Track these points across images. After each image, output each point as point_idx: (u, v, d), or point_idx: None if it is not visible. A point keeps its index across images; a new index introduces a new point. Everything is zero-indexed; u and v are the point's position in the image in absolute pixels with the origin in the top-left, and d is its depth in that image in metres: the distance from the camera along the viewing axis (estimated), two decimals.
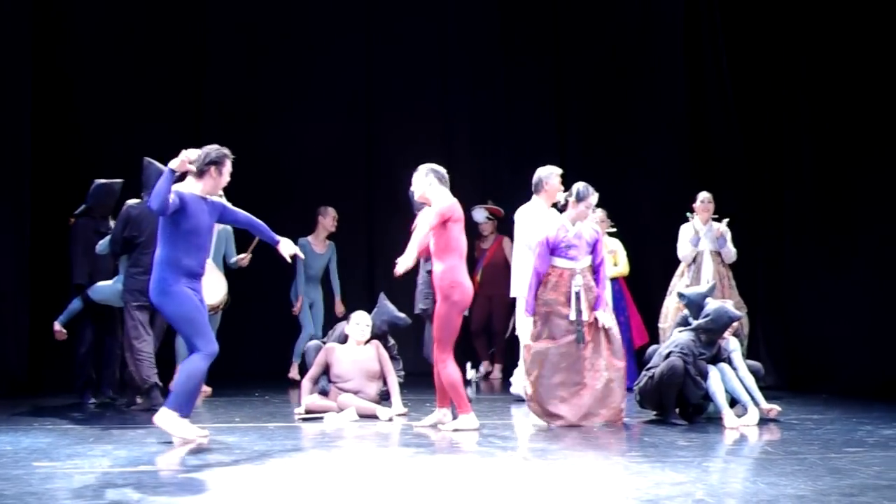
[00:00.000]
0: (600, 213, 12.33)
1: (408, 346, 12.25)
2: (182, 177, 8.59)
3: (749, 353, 11.43)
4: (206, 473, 7.31)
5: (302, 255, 9.61)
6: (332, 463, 7.81)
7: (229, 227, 11.77)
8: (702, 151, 13.54)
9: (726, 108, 13.27)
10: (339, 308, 13.06)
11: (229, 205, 9.06)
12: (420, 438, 8.90)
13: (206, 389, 11.65)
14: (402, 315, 10.45)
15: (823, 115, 12.52)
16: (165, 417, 8.47)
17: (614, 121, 14.27)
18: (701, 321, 9.83)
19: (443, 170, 9.29)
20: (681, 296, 10.51)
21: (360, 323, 10.31)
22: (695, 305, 10.19)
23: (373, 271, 14.45)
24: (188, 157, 8.44)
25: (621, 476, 7.29)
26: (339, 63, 14.63)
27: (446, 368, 9.04)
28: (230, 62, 14.43)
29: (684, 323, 10.26)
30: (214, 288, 11.41)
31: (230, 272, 11.83)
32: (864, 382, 11.82)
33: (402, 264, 9.01)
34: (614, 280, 12.35)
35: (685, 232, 12.07)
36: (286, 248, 9.09)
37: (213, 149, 8.69)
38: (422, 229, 9.17)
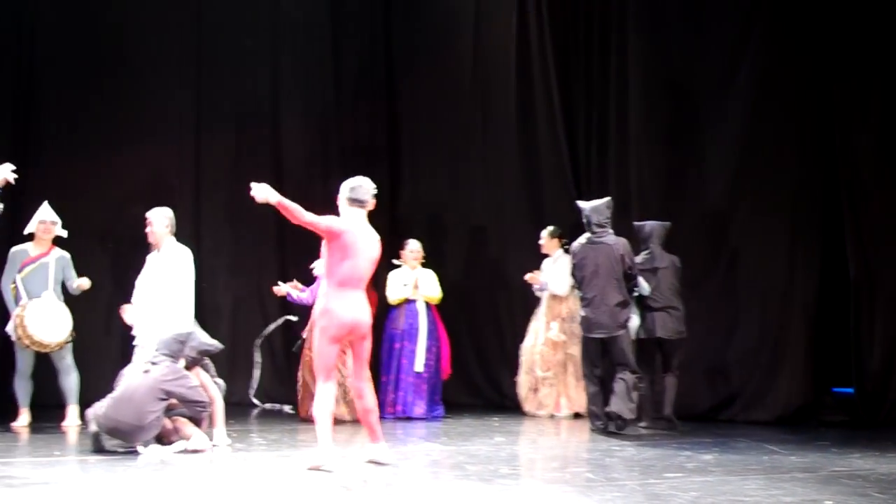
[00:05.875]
0: (415, 244, 12.51)
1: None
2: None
3: None
4: None
5: None
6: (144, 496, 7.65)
7: (66, 254, 11.65)
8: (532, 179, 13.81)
9: (552, 118, 13.64)
10: None
11: None
12: (242, 467, 8.77)
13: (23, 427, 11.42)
14: (214, 342, 10.22)
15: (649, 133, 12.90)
16: None
17: (449, 140, 14.54)
18: None
19: (362, 188, 8.68)
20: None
21: None
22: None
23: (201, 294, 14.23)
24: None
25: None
26: (169, 83, 14.43)
27: (315, 399, 8.59)
28: (57, 80, 14.09)
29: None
30: (62, 323, 11.23)
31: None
32: (684, 408, 12.06)
33: (261, 190, 8.35)
34: (428, 309, 12.49)
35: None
36: None
37: None
38: (310, 216, 8.40)
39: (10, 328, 11.29)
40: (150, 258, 10.97)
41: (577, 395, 12.38)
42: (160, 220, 10.76)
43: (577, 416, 12.37)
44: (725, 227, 12.41)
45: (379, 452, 8.79)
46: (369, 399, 8.76)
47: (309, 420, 11.92)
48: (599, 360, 11.09)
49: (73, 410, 11.47)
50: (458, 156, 14.42)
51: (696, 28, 12.65)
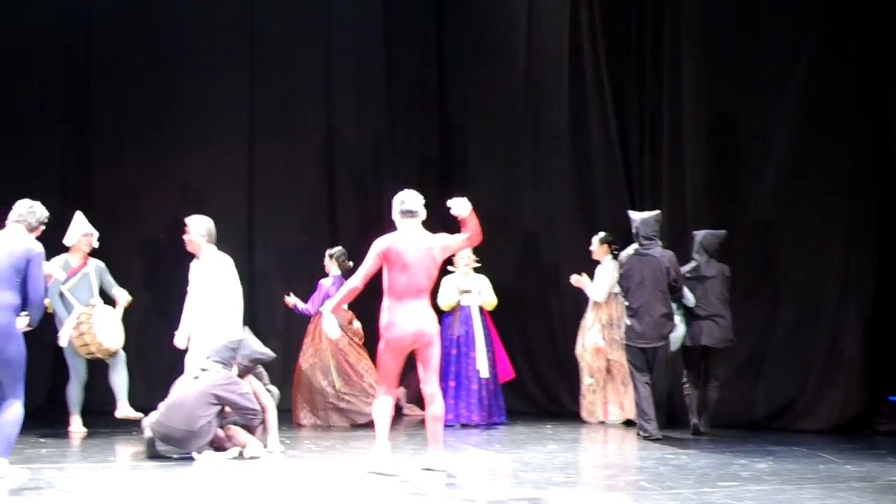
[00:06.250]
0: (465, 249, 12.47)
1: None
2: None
3: None
4: None
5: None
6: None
7: (101, 263, 11.80)
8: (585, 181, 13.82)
9: (605, 124, 13.61)
10: None
11: None
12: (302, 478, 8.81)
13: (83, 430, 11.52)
14: (265, 350, 10.26)
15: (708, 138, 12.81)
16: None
17: (502, 147, 14.58)
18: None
19: (410, 199, 8.99)
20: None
21: None
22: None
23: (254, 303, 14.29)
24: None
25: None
26: (223, 89, 14.54)
27: (375, 402, 8.87)
28: (113, 88, 14.27)
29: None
30: (120, 329, 11.36)
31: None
32: (739, 416, 12.01)
33: (328, 325, 9.17)
34: (482, 314, 12.46)
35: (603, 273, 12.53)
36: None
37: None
38: (359, 272, 8.91)
39: (65, 336, 11.33)
40: (192, 266, 11.01)
41: (628, 402, 12.32)
42: (196, 228, 10.74)
43: (628, 423, 12.29)
44: (779, 234, 12.30)
45: (435, 459, 8.84)
46: (437, 406, 8.87)
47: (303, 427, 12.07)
48: (645, 367, 11.19)
49: (123, 404, 11.54)
50: (511, 161, 14.41)
51: (750, 31, 12.54)
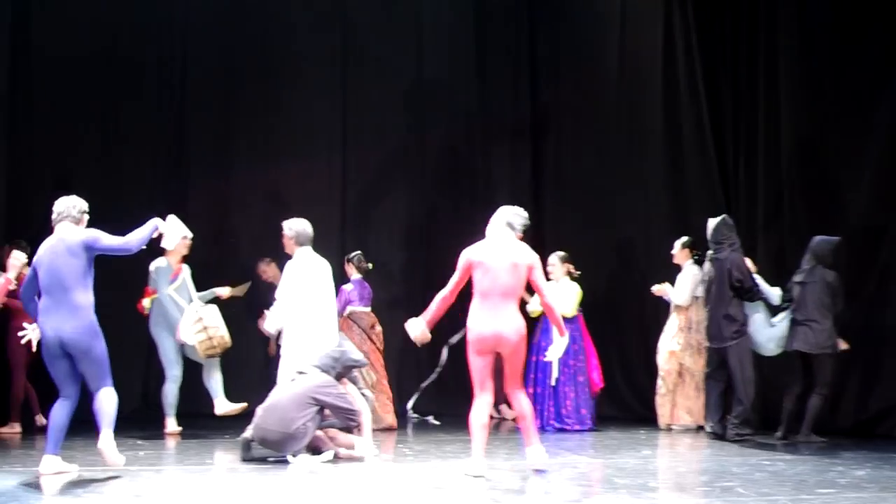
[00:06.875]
0: (551, 257, 12.40)
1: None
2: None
3: None
4: None
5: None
6: None
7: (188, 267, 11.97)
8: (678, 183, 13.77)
9: (700, 128, 13.53)
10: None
11: None
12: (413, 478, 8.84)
13: (177, 429, 11.67)
14: (360, 356, 10.32)
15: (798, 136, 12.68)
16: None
17: (595, 151, 14.57)
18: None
19: (512, 214, 9.05)
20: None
21: None
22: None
23: None
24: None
25: None
26: (316, 98, 14.68)
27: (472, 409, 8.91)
28: (208, 96, 14.52)
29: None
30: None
31: None
32: (838, 422, 11.85)
33: (414, 328, 9.03)
34: (571, 320, 12.27)
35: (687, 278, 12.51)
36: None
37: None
38: (451, 283, 8.96)
39: (187, 334, 11.45)
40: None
41: (698, 409, 12.25)
42: (287, 230, 10.82)
43: (700, 429, 12.18)
44: (879, 238, 12.14)
45: (534, 456, 8.96)
46: (518, 406, 8.99)
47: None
48: (720, 368, 11.54)
49: (221, 400, 11.72)
50: (604, 166, 14.35)
51: (846, 35, 12.39)
